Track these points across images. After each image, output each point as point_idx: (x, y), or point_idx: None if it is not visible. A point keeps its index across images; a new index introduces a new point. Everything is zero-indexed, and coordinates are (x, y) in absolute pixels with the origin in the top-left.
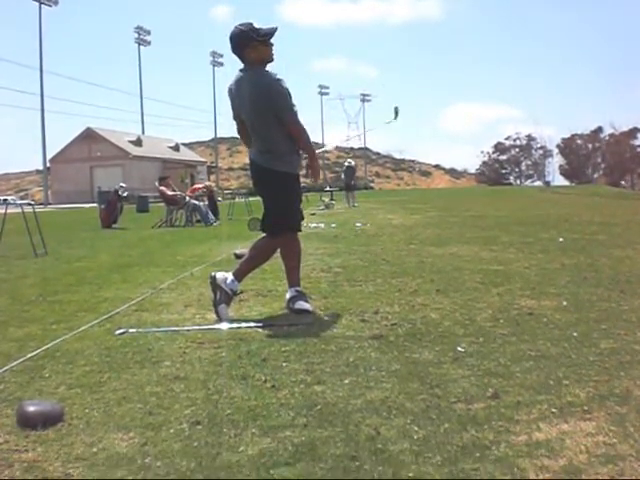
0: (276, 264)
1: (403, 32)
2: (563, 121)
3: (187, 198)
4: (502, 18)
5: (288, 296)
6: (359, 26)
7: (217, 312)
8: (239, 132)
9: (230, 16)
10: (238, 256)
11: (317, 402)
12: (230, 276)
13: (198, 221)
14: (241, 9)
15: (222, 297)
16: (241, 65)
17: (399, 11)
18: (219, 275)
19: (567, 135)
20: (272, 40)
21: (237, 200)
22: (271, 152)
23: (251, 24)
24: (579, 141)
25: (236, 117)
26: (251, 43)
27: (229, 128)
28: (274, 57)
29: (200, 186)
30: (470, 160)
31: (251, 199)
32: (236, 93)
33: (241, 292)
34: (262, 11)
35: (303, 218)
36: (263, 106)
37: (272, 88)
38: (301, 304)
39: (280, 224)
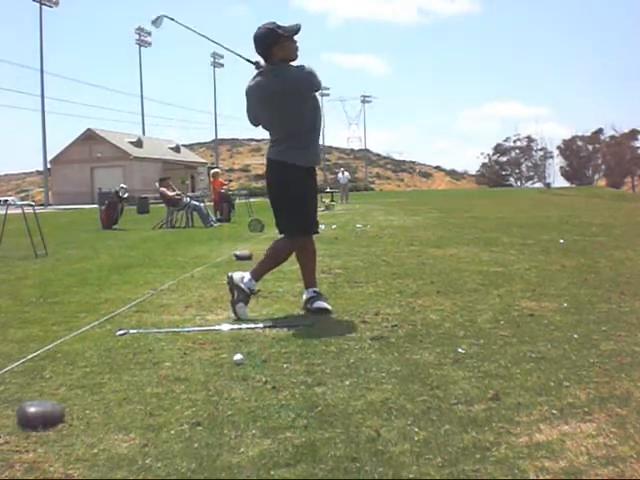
0: None
1: (414, 30)
2: (564, 121)
3: (187, 199)
4: (510, 17)
5: (306, 297)
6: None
7: (235, 311)
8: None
9: (233, 17)
10: (239, 257)
11: (318, 403)
12: (247, 275)
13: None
14: (244, 10)
15: (240, 296)
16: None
17: (410, 9)
18: (236, 275)
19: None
20: (295, 37)
21: (238, 201)
22: (294, 147)
23: (275, 23)
24: (580, 142)
25: (255, 119)
26: (279, 41)
27: (230, 129)
28: (298, 54)
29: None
30: (471, 162)
31: (252, 200)
32: (261, 92)
33: (259, 291)
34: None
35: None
36: (299, 98)
37: (313, 79)
38: (320, 303)
39: (297, 226)
